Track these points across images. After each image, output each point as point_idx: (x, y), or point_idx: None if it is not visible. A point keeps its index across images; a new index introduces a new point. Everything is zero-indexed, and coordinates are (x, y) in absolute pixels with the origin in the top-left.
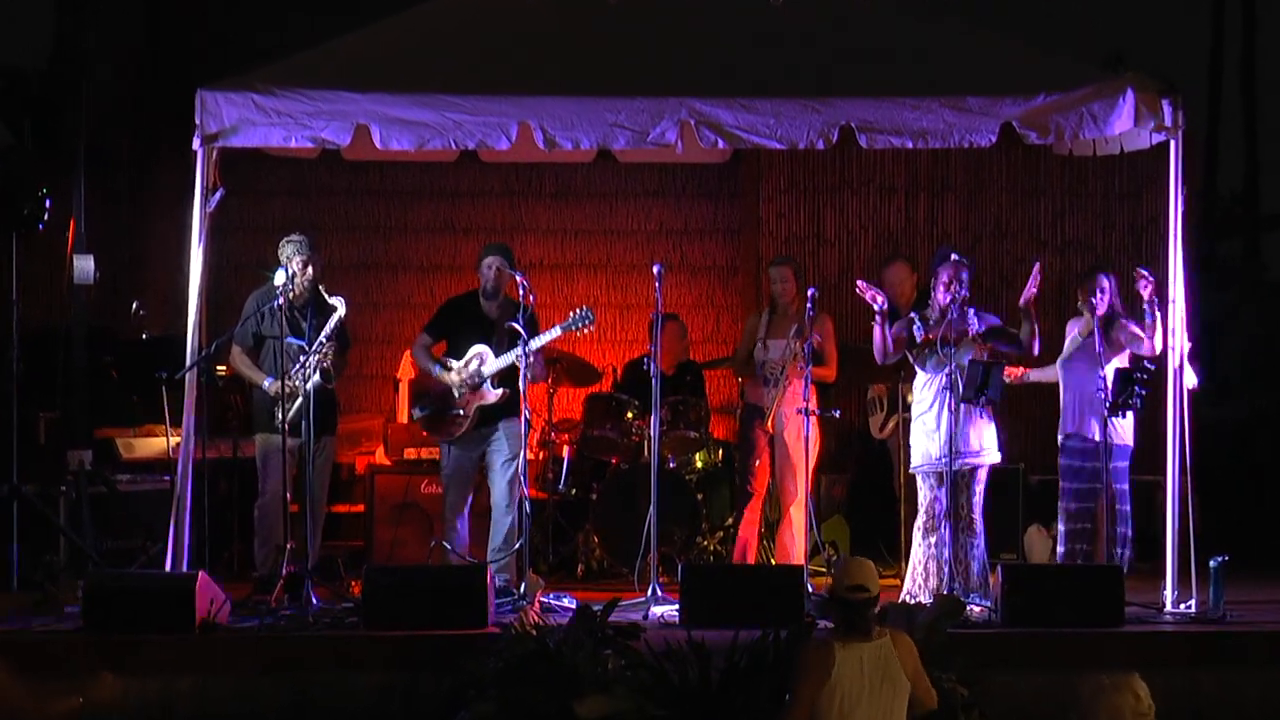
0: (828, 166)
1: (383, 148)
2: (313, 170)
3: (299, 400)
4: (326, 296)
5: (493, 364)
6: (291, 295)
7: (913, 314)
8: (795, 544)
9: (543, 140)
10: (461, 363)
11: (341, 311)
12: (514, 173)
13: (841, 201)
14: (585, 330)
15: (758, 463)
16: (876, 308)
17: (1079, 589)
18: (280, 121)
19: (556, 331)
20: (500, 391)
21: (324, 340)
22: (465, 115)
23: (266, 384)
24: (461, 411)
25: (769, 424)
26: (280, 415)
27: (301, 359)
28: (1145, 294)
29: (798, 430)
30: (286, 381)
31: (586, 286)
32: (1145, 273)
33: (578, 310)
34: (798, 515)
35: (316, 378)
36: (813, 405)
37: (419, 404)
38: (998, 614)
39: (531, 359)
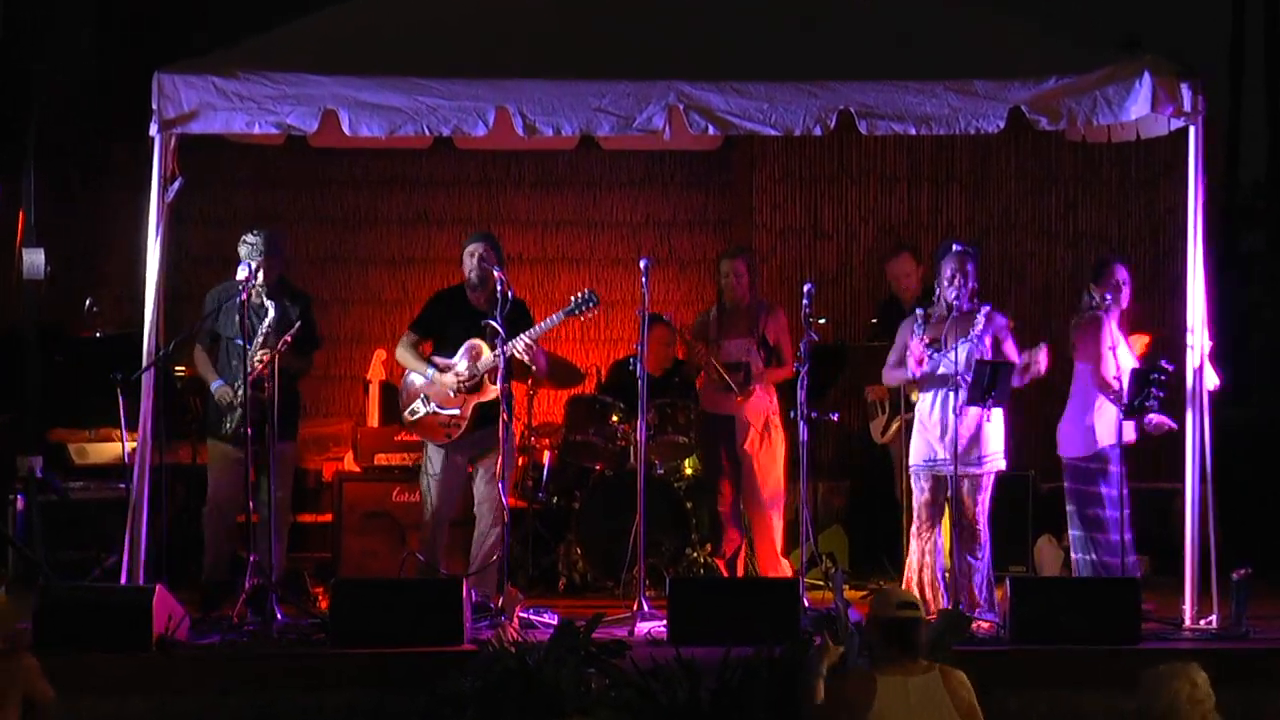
0: (825, 154)
1: (351, 134)
2: (277, 158)
3: (238, 411)
4: (264, 299)
5: (489, 359)
6: (248, 295)
7: (918, 310)
8: (777, 556)
9: (522, 126)
10: (455, 359)
11: (272, 316)
12: (491, 161)
13: (840, 192)
14: (589, 314)
15: (725, 479)
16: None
17: (1092, 603)
18: (243, 106)
19: (558, 318)
20: (499, 387)
21: (262, 345)
22: (439, 99)
23: (214, 387)
24: (458, 412)
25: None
26: (227, 423)
27: (245, 362)
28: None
29: (760, 436)
30: (233, 389)
31: (568, 281)
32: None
33: (580, 293)
34: (776, 524)
35: (275, 380)
36: (775, 408)
37: (410, 405)
38: (1006, 629)
39: (534, 351)
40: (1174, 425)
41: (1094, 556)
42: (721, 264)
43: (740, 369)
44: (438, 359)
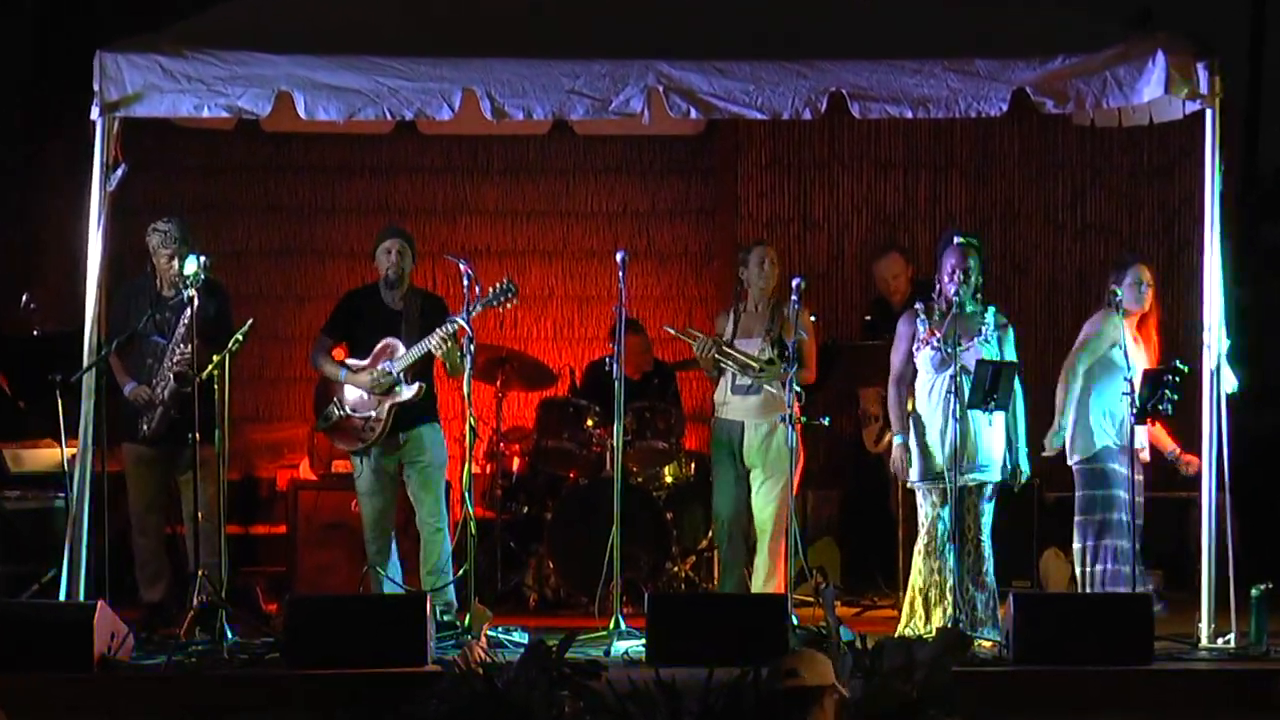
0: (815, 139)
1: (307, 118)
2: (228, 144)
3: (159, 409)
4: (182, 286)
5: (403, 358)
6: (159, 288)
7: (918, 304)
8: (778, 570)
9: (490, 109)
10: (368, 360)
11: (196, 302)
12: (457, 146)
13: (831, 179)
14: (508, 305)
15: (735, 487)
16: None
17: (1101, 621)
18: (191, 88)
19: (476, 309)
20: (416, 387)
21: (181, 339)
22: (401, 80)
23: (127, 390)
24: (374, 414)
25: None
26: (145, 426)
27: (164, 362)
28: None
29: (775, 441)
30: (150, 387)
31: (540, 276)
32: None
33: (498, 284)
34: (779, 537)
35: (172, 381)
36: (795, 412)
37: (323, 411)
38: (1009, 649)
39: (450, 347)
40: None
41: (1104, 566)
42: (752, 252)
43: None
44: (351, 360)
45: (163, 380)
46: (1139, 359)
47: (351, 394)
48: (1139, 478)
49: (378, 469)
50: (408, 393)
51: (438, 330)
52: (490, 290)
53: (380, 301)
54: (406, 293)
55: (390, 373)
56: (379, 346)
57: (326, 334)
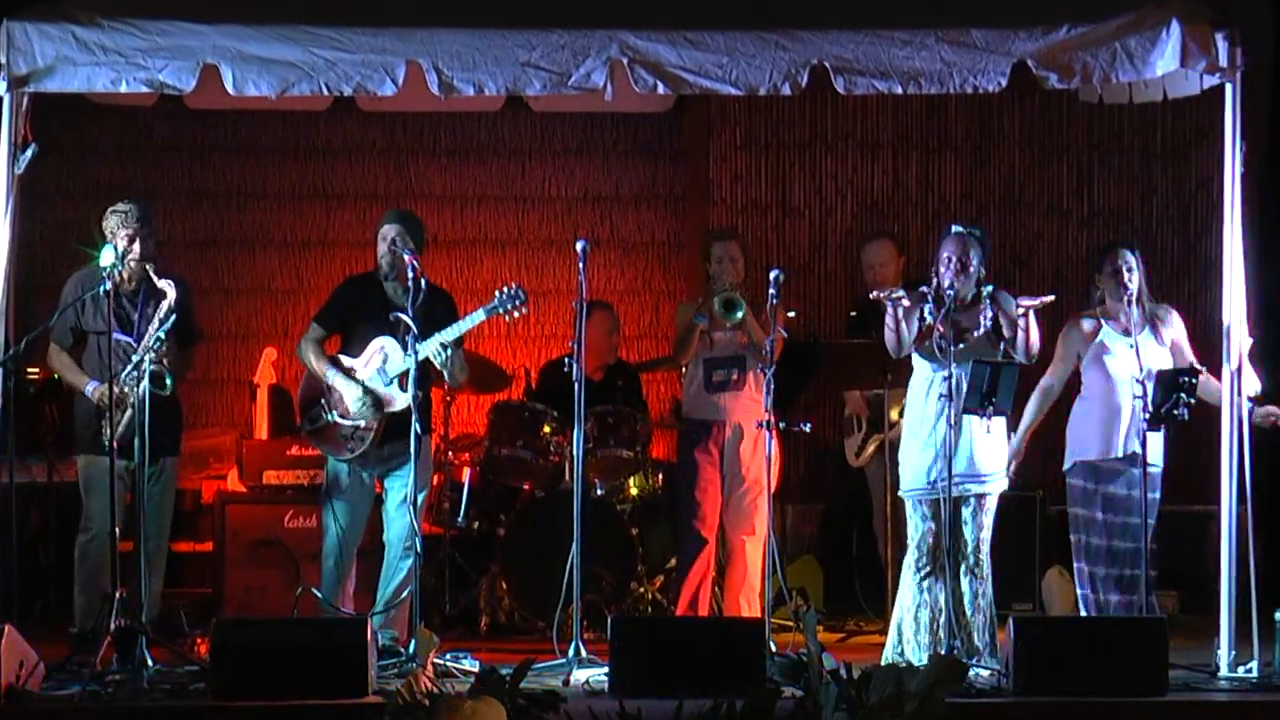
0: (796, 117)
1: (236, 93)
2: (148, 122)
3: (128, 412)
4: (156, 279)
5: (398, 362)
6: (119, 279)
7: (925, 288)
8: (754, 591)
9: (437, 84)
10: (362, 361)
11: (172, 297)
12: (401, 125)
13: (813, 161)
14: (517, 314)
15: (706, 497)
16: (891, 302)
17: (1111, 647)
18: (108, 60)
19: (479, 317)
20: (411, 395)
21: (160, 336)
22: (340, 52)
23: (89, 389)
24: (364, 422)
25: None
26: (107, 430)
27: (134, 359)
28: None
29: (754, 446)
30: (114, 388)
31: (492, 267)
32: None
33: (506, 288)
34: (755, 553)
35: (146, 382)
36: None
37: (309, 412)
38: (1009, 678)
39: (450, 354)
40: None
41: (1086, 592)
42: (713, 247)
43: (733, 366)
44: (342, 359)
45: (132, 380)
46: (1151, 354)
47: (341, 397)
48: (1153, 495)
49: (357, 480)
50: (401, 401)
51: (437, 335)
52: (496, 295)
53: (383, 293)
54: (405, 284)
55: (378, 394)
56: (371, 348)
57: (319, 324)
